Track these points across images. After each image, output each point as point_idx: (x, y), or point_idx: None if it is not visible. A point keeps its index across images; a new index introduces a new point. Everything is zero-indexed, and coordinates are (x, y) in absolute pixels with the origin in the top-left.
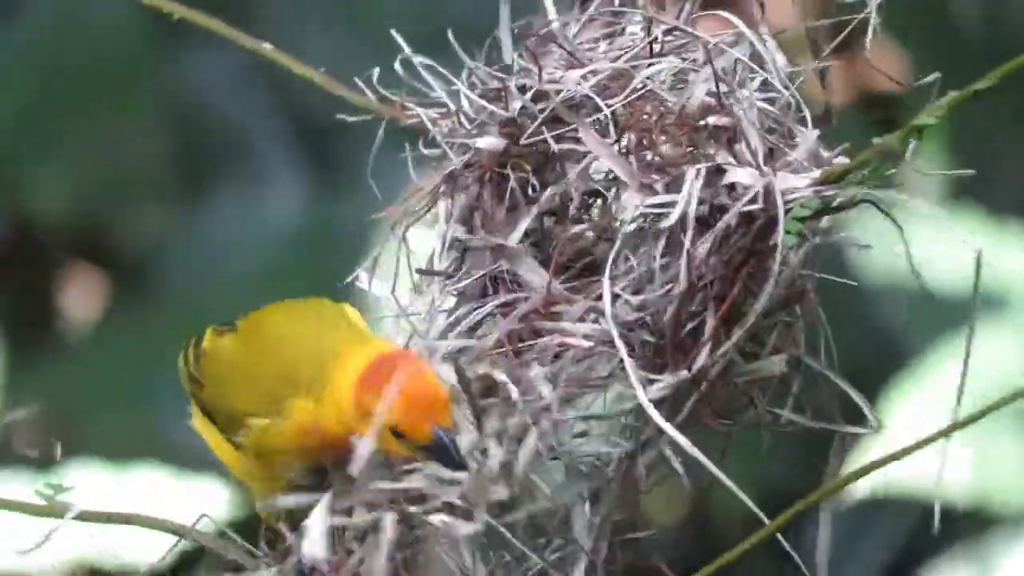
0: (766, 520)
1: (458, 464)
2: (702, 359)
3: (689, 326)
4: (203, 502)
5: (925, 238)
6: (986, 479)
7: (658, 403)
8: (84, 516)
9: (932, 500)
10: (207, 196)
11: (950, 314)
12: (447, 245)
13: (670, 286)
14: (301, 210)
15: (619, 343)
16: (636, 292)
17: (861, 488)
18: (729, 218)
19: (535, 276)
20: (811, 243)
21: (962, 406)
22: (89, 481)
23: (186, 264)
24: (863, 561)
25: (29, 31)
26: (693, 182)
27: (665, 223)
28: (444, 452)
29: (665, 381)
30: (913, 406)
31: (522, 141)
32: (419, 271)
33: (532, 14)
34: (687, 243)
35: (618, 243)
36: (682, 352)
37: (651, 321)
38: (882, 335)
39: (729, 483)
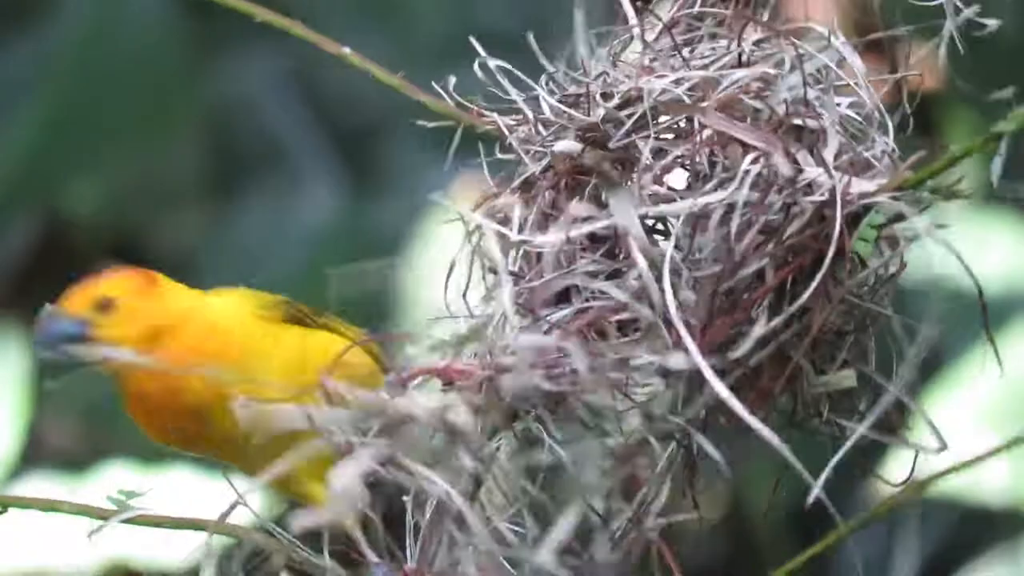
0: (840, 519)
1: (38, 346)
2: (745, 345)
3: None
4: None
5: (960, 238)
6: (1023, 481)
7: (687, 393)
8: (136, 520)
9: (969, 502)
10: (241, 202)
11: (990, 317)
12: (521, 252)
13: (720, 270)
14: (335, 215)
15: (675, 315)
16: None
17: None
18: (791, 210)
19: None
20: (888, 255)
21: (998, 410)
22: (120, 482)
23: (221, 269)
24: (900, 565)
25: (65, 38)
26: (749, 167)
27: (714, 209)
28: (36, 332)
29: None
30: (950, 409)
31: (611, 144)
32: (492, 270)
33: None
34: (733, 230)
35: (678, 224)
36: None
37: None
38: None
39: (796, 463)
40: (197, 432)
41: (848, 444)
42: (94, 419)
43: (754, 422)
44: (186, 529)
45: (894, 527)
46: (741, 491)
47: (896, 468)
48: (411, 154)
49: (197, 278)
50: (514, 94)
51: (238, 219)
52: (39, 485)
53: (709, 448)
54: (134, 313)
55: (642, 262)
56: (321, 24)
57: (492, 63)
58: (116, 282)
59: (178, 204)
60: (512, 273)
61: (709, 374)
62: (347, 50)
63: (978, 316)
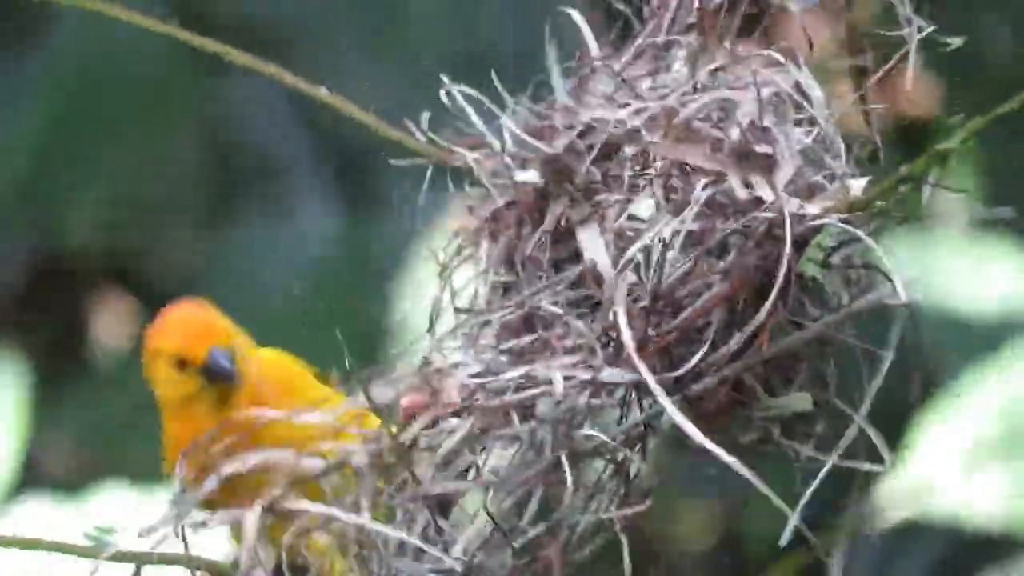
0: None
1: (229, 375)
2: (689, 365)
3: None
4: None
5: (955, 265)
6: (1017, 504)
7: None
8: (122, 557)
9: (964, 525)
10: (238, 223)
11: (980, 339)
12: (488, 285)
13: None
14: (332, 236)
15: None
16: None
17: (894, 513)
18: (737, 233)
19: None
20: (837, 279)
21: (995, 433)
22: (118, 506)
23: (217, 291)
24: None
25: (61, 56)
26: (703, 190)
27: (667, 229)
28: (217, 367)
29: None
30: (943, 433)
31: (576, 180)
32: (459, 310)
33: (559, 45)
34: (675, 251)
35: (629, 253)
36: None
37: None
38: (911, 362)
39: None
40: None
41: (822, 473)
42: (91, 442)
43: (704, 440)
44: (170, 565)
45: (889, 549)
46: (734, 517)
47: (892, 488)
48: (407, 177)
49: (195, 298)
50: (480, 126)
51: (235, 239)
52: (36, 508)
53: (641, 466)
54: (244, 344)
55: (607, 291)
56: (324, 45)
57: (458, 93)
58: (221, 316)
59: (175, 225)
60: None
61: (655, 388)
62: (324, 91)
63: (973, 341)
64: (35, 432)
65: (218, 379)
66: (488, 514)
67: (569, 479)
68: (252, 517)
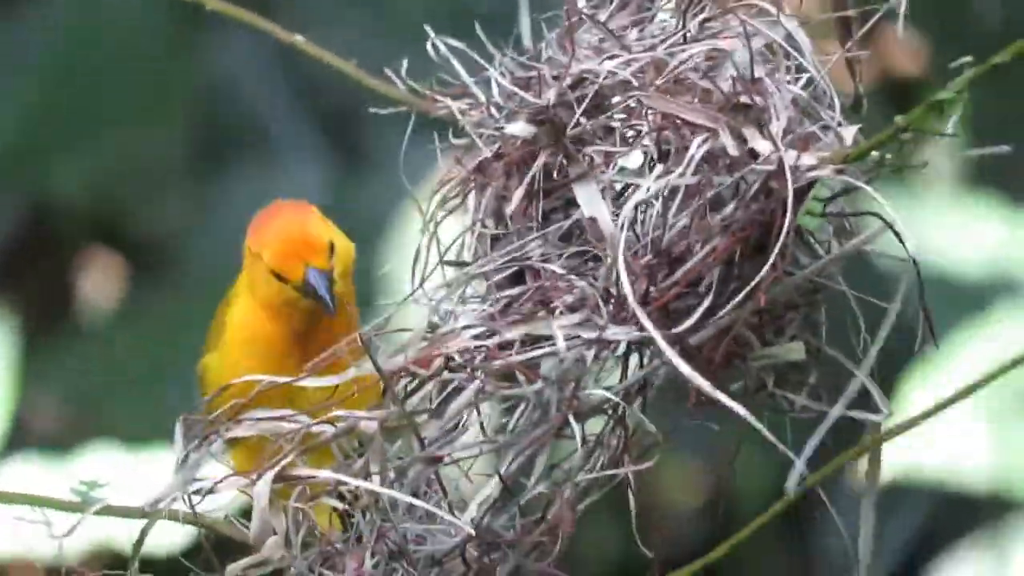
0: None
1: (326, 304)
2: (692, 319)
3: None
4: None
5: (944, 222)
6: (1005, 465)
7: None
8: (108, 511)
9: (952, 486)
10: (226, 181)
11: (967, 298)
12: (476, 236)
13: (675, 244)
14: (321, 195)
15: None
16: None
17: (881, 475)
18: (739, 187)
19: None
20: (831, 231)
21: (981, 393)
22: (106, 464)
23: (205, 249)
24: (884, 547)
25: (49, 17)
26: (699, 147)
27: (662, 184)
28: (314, 293)
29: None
30: (931, 390)
31: (568, 131)
32: (447, 263)
33: (553, 3)
34: (681, 210)
35: (628, 205)
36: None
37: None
38: (899, 319)
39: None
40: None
41: (825, 425)
42: (79, 401)
43: (715, 392)
44: (155, 519)
45: (877, 512)
46: (723, 474)
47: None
48: (396, 134)
49: (182, 258)
50: (465, 77)
51: (222, 199)
52: (24, 468)
53: (644, 421)
54: (343, 254)
55: (608, 248)
56: (314, 8)
57: (444, 45)
58: (323, 221)
59: (163, 184)
60: (460, 263)
61: (664, 345)
62: (299, 38)
63: (961, 299)
64: (23, 391)
65: (315, 300)
66: (500, 477)
67: (578, 436)
68: (263, 484)
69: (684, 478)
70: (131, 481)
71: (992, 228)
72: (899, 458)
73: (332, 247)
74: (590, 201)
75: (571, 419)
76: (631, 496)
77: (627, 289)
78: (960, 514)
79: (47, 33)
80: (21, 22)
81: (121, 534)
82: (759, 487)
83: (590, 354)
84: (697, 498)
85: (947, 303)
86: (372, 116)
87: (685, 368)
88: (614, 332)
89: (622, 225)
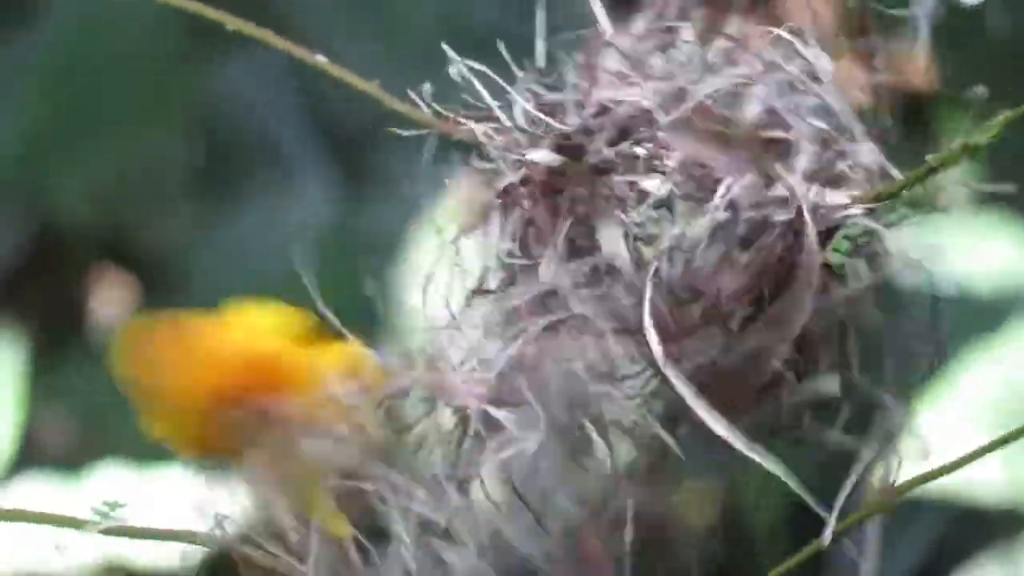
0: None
1: None
2: (711, 352)
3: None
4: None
5: (958, 242)
6: (1019, 480)
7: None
8: (108, 531)
9: (965, 502)
10: (235, 199)
11: (983, 318)
12: (500, 263)
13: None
14: (329, 214)
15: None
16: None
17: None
18: (764, 226)
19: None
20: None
21: (996, 410)
22: (115, 483)
23: (213, 267)
24: (895, 563)
25: (54, 32)
26: (730, 188)
27: (689, 230)
28: None
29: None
30: (946, 411)
31: (589, 158)
32: (473, 291)
33: (565, 20)
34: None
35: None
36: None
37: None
38: (913, 337)
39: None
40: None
41: (862, 465)
42: (88, 418)
43: (722, 427)
44: (170, 540)
45: (890, 524)
46: (735, 493)
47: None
48: (409, 154)
49: (190, 275)
50: (489, 100)
51: (230, 219)
52: (34, 486)
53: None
54: None
55: (627, 282)
56: (314, 22)
57: (466, 67)
58: None
59: (171, 201)
60: (482, 291)
61: (674, 376)
62: (321, 58)
63: (976, 318)
64: (31, 409)
65: None
66: (518, 496)
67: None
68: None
69: (691, 495)
70: (140, 499)
71: (1005, 245)
72: (911, 473)
73: None
74: (610, 240)
75: (592, 438)
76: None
77: (650, 333)
78: (974, 529)
79: (53, 46)
80: (26, 37)
81: (133, 552)
82: (769, 504)
83: (603, 385)
84: (707, 519)
85: (960, 320)
86: (382, 135)
87: (700, 407)
88: (631, 365)
89: (650, 272)
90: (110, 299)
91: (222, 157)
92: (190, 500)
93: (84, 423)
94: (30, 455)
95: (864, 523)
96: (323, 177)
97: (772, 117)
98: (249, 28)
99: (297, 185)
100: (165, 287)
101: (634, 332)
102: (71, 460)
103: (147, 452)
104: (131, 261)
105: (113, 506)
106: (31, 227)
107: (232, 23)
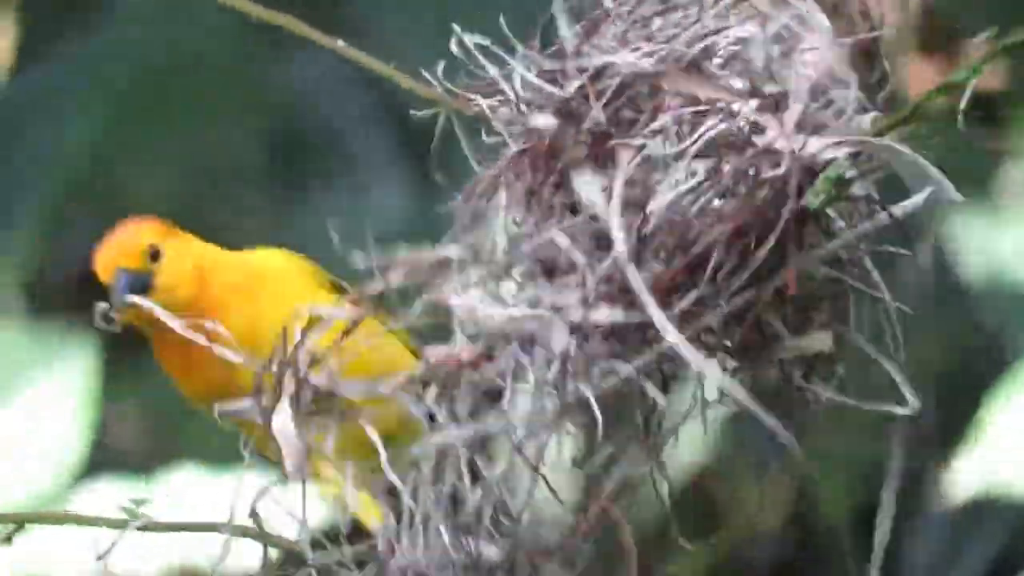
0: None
1: (114, 300)
2: (689, 299)
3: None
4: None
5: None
6: None
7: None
8: (153, 527)
9: None
10: (308, 196)
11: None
12: (507, 233)
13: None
14: (403, 210)
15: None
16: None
17: (964, 490)
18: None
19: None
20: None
21: None
22: (186, 485)
23: None
24: (966, 564)
25: (127, 30)
26: (707, 127)
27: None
28: (113, 291)
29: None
30: (1011, 413)
31: (587, 122)
32: (480, 259)
33: None
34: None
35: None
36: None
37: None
38: (985, 335)
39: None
40: (224, 383)
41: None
42: (161, 423)
43: (709, 369)
44: (197, 531)
45: (958, 527)
46: (806, 490)
47: (962, 465)
48: (480, 149)
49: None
50: (492, 72)
51: (303, 214)
52: (105, 491)
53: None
54: (180, 256)
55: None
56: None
57: (469, 40)
58: (152, 229)
59: (243, 199)
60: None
61: (660, 320)
62: (340, 43)
63: None
64: (102, 414)
65: (120, 306)
66: (539, 474)
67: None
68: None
69: (764, 495)
70: (212, 502)
71: None
72: (981, 475)
73: (157, 253)
74: (586, 187)
75: (592, 402)
76: (665, 484)
77: (633, 277)
78: None
79: (123, 46)
80: (101, 37)
81: (199, 554)
82: (843, 499)
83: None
84: (777, 516)
85: None
86: (453, 132)
87: (690, 354)
88: (625, 316)
89: (631, 229)
90: None
91: (294, 154)
92: (262, 502)
93: (156, 426)
94: (101, 459)
95: (932, 526)
96: (395, 171)
97: (767, 70)
98: (296, 25)
99: (369, 179)
100: None
101: (623, 289)
102: (143, 464)
103: (219, 455)
104: None
105: (140, 502)
106: (101, 229)
107: (299, 29)
